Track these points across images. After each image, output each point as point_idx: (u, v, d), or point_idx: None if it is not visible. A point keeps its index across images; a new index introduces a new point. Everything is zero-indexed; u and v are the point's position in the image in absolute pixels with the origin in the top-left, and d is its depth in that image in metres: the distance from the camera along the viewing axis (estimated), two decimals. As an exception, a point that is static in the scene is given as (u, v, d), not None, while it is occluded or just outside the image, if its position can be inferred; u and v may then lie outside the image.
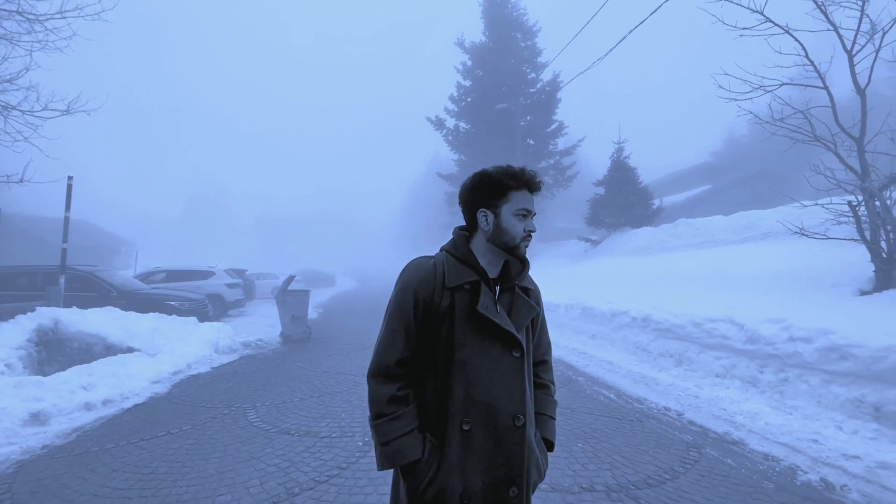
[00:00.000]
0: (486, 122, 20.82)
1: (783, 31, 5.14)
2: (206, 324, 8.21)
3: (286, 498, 2.90)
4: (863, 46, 5.01)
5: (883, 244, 4.83)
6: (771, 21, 5.17)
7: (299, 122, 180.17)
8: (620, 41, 8.23)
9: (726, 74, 5.45)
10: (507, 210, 1.23)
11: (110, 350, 5.98)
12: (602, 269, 11.79)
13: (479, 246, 1.27)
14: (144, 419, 4.44)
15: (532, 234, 1.25)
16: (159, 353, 6.22)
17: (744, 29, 5.29)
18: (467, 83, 22.29)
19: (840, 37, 5.09)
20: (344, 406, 4.81)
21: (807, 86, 5.31)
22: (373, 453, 3.59)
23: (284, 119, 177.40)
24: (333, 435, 3.99)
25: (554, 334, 9.13)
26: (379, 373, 1.21)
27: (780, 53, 5.27)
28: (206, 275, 13.52)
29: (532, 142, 21.47)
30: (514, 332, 1.20)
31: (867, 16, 5.01)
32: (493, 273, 1.27)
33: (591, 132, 23.71)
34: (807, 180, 4.87)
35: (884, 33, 4.77)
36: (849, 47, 5.07)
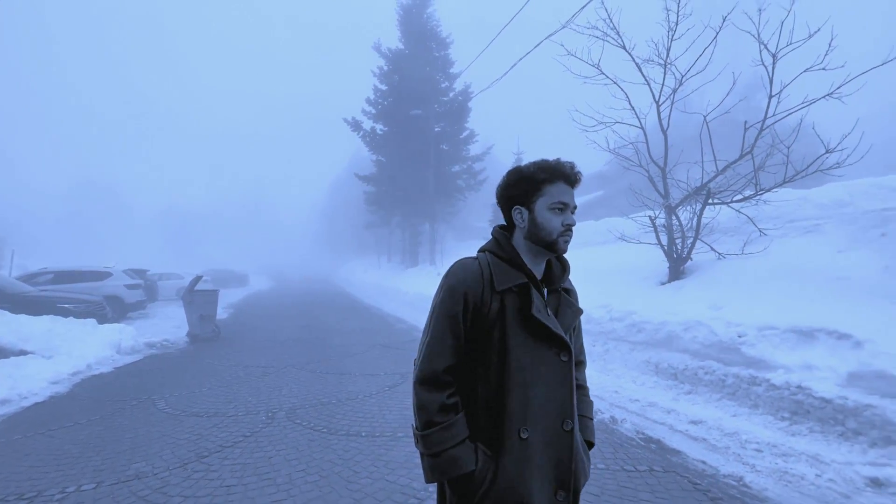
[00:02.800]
0: (403, 125, 21.68)
1: (612, 82, 6.68)
2: (107, 325, 8.11)
3: (196, 459, 3.51)
4: (667, 98, 6.69)
5: (675, 247, 6.55)
6: (604, 73, 6.67)
7: (212, 111, 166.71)
8: (511, 68, 9.59)
9: (577, 111, 6.88)
10: (542, 204, 1.19)
11: (1, 353, 5.89)
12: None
13: (519, 245, 1.24)
14: (49, 414, 4.66)
15: (572, 227, 1.20)
16: (57, 355, 6.23)
17: (586, 77, 6.76)
18: (384, 87, 22.94)
19: (651, 89, 6.74)
20: (250, 391, 5.38)
21: (629, 125, 6.92)
22: (274, 423, 4.28)
23: (193, 106, 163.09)
24: (240, 413, 4.60)
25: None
26: (427, 380, 1.15)
27: (615, 98, 6.81)
28: (101, 275, 12.78)
29: (446, 147, 22.72)
30: (565, 335, 1.18)
31: (672, 72, 6.67)
32: (537, 274, 1.24)
33: (501, 139, 25.59)
34: (626, 199, 6.44)
35: (673, 92, 6.46)
36: (657, 98, 6.74)
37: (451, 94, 22.65)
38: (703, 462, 3.48)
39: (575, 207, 1.22)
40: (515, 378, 1.12)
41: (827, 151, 5.15)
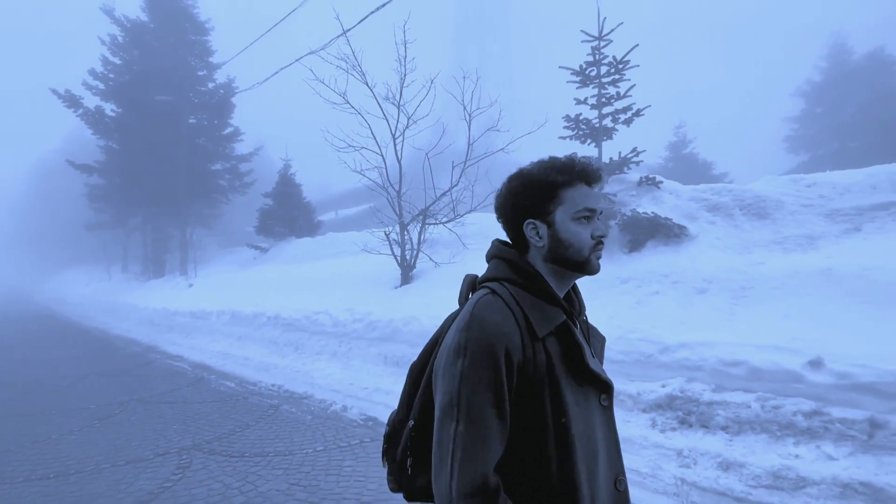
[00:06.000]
0: (146, 111, 18.33)
1: (357, 112, 7.69)
2: None
3: None
4: (401, 133, 8.10)
5: (405, 257, 8.03)
6: (349, 103, 7.60)
7: None
8: (268, 79, 9.55)
9: (328, 132, 7.54)
10: (563, 214, 0.94)
11: None
12: (266, 275, 12.82)
13: (539, 268, 0.97)
14: None
15: (604, 239, 0.96)
16: None
17: (334, 104, 7.53)
18: (117, 60, 18.96)
19: (389, 125, 8.06)
20: None
21: (374, 151, 8.08)
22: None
23: None
24: None
25: (205, 340, 9.47)
26: (477, 491, 0.79)
27: (362, 126, 7.80)
28: None
29: (204, 141, 20.36)
30: (610, 379, 0.97)
31: (404, 113, 8.08)
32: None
33: (275, 141, 24.42)
34: (373, 216, 7.52)
35: (405, 129, 7.93)
36: (393, 132, 8.09)
37: (211, 86, 20.41)
38: (403, 428, 4.47)
39: (601, 213, 0.98)
40: (579, 451, 0.87)
41: (494, 191, 7.30)
